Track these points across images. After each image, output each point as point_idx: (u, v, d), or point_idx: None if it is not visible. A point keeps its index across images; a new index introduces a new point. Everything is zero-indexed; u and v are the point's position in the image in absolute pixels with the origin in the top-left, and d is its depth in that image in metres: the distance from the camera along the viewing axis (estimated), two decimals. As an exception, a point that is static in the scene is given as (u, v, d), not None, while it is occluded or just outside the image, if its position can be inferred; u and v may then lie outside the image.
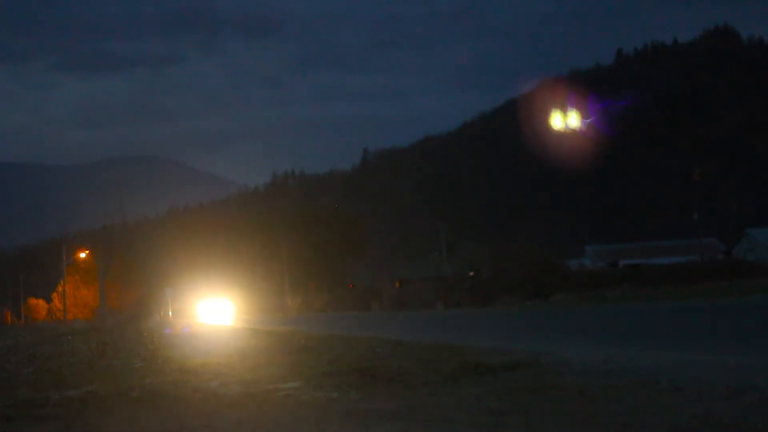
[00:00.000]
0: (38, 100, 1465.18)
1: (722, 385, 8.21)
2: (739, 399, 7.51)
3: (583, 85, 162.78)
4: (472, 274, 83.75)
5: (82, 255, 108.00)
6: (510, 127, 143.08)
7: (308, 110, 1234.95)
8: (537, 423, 7.13)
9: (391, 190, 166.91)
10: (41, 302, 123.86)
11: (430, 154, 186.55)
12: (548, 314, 36.30)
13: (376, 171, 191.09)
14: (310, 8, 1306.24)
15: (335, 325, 37.85)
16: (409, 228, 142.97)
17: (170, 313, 78.70)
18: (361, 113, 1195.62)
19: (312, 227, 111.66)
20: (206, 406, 9.04)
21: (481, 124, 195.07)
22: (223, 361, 14.74)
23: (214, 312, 75.25)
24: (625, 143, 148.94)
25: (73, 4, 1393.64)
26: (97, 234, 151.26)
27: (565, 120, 41.84)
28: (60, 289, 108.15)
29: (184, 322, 54.80)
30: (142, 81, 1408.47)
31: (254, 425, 7.86)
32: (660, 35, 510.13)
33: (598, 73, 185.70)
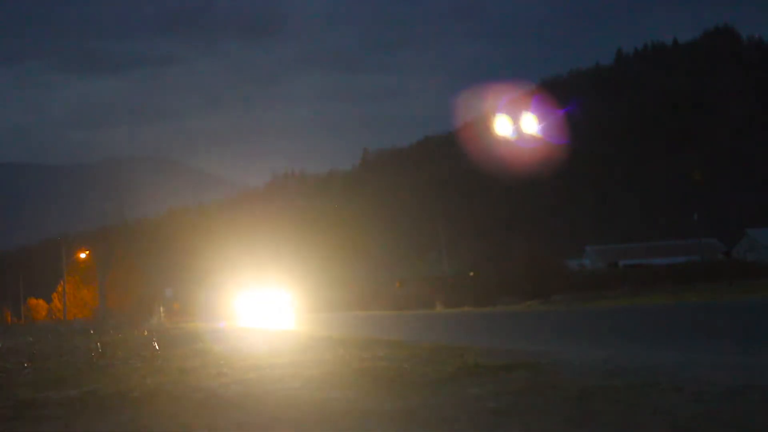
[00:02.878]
0: (37, 100, 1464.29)
1: (722, 385, 8.21)
2: (739, 399, 7.51)
3: (583, 87, 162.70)
4: (471, 274, 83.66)
5: (82, 255, 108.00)
6: (509, 127, 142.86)
7: (308, 110, 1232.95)
8: (536, 423, 7.13)
9: (392, 190, 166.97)
10: (41, 302, 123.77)
11: (430, 154, 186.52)
12: (548, 314, 36.31)
13: (376, 171, 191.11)
14: (309, 8, 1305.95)
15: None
16: (409, 228, 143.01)
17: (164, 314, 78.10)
18: (361, 113, 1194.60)
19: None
20: (207, 406, 9.04)
21: (480, 125, 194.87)
22: (223, 361, 14.75)
23: (264, 311, 62.25)
24: (626, 143, 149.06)
25: (71, 4, 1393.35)
26: (97, 234, 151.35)
27: (529, 125, 41.75)
28: (60, 289, 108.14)
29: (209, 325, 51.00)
30: (142, 81, 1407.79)
31: (255, 426, 7.86)
32: (660, 35, 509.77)
33: (598, 74, 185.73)
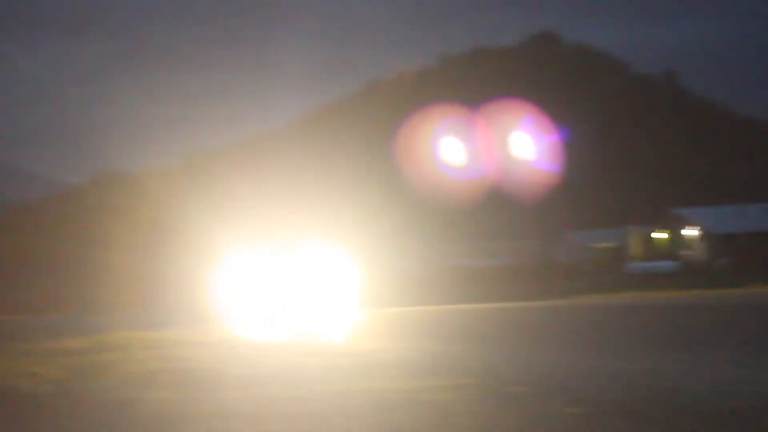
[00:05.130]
0: None
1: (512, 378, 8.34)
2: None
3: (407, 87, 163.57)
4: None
5: None
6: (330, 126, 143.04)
7: (131, 108, 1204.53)
8: None
9: (219, 188, 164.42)
10: None
11: (256, 152, 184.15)
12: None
13: (204, 170, 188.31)
14: (133, 3, 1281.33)
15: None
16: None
17: None
18: (185, 112, 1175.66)
19: None
20: (16, 407, 8.84)
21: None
22: (42, 359, 14.39)
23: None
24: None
25: None
26: None
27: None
28: None
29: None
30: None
31: (65, 424, 7.77)
32: (485, 39, 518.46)
33: (422, 75, 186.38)
